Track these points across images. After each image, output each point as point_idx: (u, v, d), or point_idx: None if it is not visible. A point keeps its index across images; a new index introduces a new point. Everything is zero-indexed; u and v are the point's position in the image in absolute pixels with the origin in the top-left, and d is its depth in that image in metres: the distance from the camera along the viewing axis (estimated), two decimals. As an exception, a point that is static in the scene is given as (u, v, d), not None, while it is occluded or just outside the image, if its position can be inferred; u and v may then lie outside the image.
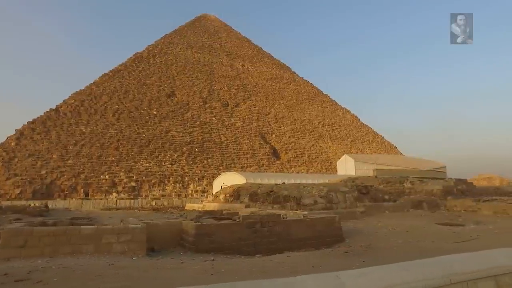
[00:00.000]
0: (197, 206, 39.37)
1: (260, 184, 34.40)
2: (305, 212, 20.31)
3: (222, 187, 43.68)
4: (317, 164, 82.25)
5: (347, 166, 65.16)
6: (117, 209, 36.75)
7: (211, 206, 34.46)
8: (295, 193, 25.69)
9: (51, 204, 39.13)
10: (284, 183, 35.31)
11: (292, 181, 44.19)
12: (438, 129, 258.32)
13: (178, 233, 12.80)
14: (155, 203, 46.28)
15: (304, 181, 43.44)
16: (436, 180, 37.01)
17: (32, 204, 30.89)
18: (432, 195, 33.18)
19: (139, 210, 35.37)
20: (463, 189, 34.82)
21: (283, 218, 15.35)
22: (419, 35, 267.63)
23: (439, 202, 30.54)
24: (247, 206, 28.76)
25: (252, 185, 33.55)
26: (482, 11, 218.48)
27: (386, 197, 29.33)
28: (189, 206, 41.87)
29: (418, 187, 35.07)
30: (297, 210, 23.45)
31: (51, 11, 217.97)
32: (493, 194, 36.87)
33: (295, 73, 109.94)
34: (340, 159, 68.22)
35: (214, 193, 44.49)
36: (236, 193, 33.15)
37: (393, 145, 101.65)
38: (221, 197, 35.87)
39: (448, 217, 23.11)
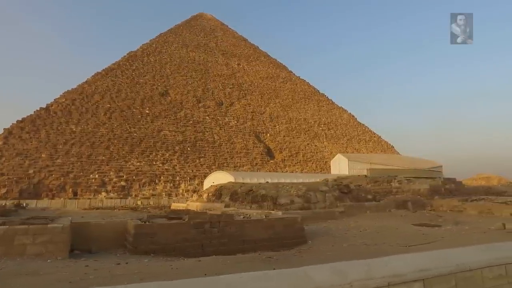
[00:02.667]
0: (182, 205, 38.77)
1: (243, 183, 33.70)
2: (279, 212, 19.59)
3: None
4: (312, 163, 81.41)
5: (340, 166, 64.30)
6: (97, 208, 36.19)
7: (193, 205, 33.78)
8: (272, 193, 24.98)
9: (33, 203, 38.54)
10: (267, 182, 34.57)
11: (282, 180, 43.37)
12: (438, 129, 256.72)
13: (123, 233, 12.13)
14: (141, 203, 45.65)
15: (295, 180, 42.60)
16: (424, 179, 36.17)
17: (5, 204, 30.27)
18: (418, 194, 32.39)
19: (118, 209, 34.76)
20: (451, 188, 33.99)
21: (246, 218, 14.69)
22: (419, 35, 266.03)
23: (425, 202, 29.73)
24: (227, 206, 28.07)
25: (234, 185, 32.87)
26: (482, 11, 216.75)
27: (369, 196, 28.54)
28: (174, 205, 41.23)
29: (405, 186, 34.27)
30: (273, 209, 22.71)
31: (44, 9, 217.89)
32: (483, 193, 35.98)
33: (292, 72, 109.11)
34: (334, 158, 67.39)
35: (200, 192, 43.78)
36: (218, 193, 32.46)
37: (390, 144, 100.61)
38: (205, 196, 35.20)
39: (429, 218, 22.32)
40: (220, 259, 7.40)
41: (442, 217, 22.48)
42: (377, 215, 24.30)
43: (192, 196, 48.20)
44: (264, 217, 14.79)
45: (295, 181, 41.78)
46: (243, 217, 15.23)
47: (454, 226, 18.63)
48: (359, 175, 45.63)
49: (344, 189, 26.31)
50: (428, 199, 31.00)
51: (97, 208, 35.74)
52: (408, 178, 35.85)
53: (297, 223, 14.25)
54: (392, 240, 13.95)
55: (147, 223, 11.98)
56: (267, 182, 34.48)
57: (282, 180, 44.60)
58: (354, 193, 27.33)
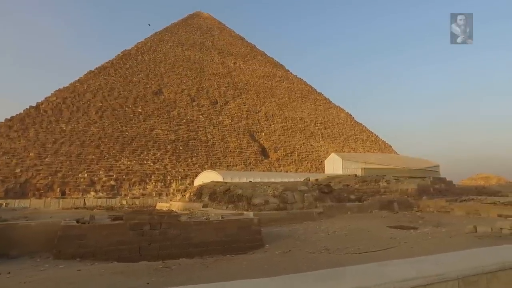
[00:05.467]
0: (166, 205, 37.96)
1: (224, 182, 32.80)
2: (251, 213, 18.64)
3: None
4: (307, 163, 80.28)
5: (334, 165, 63.15)
6: (77, 208, 35.42)
7: (176, 205, 32.95)
8: (248, 192, 24.00)
9: (15, 203, 37.82)
10: (250, 181, 33.59)
11: (272, 180, 42.30)
12: (438, 129, 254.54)
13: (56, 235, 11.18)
14: (126, 202, 44.82)
15: (285, 180, 41.51)
16: (413, 179, 35.03)
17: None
18: (406, 194, 31.28)
19: (97, 209, 33.96)
20: (441, 188, 32.83)
21: (206, 219, 13.76)
22: (419, 34, 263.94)
23: (412, 202, 28.64)
24: (205, 206, 27.20)
25: (215, 184, 31.94)
26: (482, 9, 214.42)
27: (353, 197, 27.48)
28: (159, 205, 40.43)
29: (393, 186, 33.17)
30: (247, 210, 21.79)
31: (37, 5, 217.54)
32: (475, 193, 34.81)
33: (289, 71, 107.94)
34: (328, 158, 66.26)
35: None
36: (198, 192, 31.55)
37: (387, 144, 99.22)
38: (187, 196, 34.33)
39: (409, 219, 21.21)
40: (99, 268, 6.42)
41: (424, 218, 21.37)
42: (357, 216, 23.25)
43: (176, 196, 47.31)
44: (220, 218, 13.85)
45: (285, 180, 40.68)
46: (205, 218, 14.33)
47: (432, 228, 17.54)
48: (349, 175, 44.52)
49: (324, 189, 25.25)
50: (416, 199, 29.90)
51: (77, 208, 34.97)
52: (396, 178, 34.75)
53: (253, 224, 13.27)
54: (356, 244, 12.93)
55: (84, 224, 11.05)
56: (250, 181, 33.48)
57: (273, 180, 43.46)
58: (336, 193, 26.28)
